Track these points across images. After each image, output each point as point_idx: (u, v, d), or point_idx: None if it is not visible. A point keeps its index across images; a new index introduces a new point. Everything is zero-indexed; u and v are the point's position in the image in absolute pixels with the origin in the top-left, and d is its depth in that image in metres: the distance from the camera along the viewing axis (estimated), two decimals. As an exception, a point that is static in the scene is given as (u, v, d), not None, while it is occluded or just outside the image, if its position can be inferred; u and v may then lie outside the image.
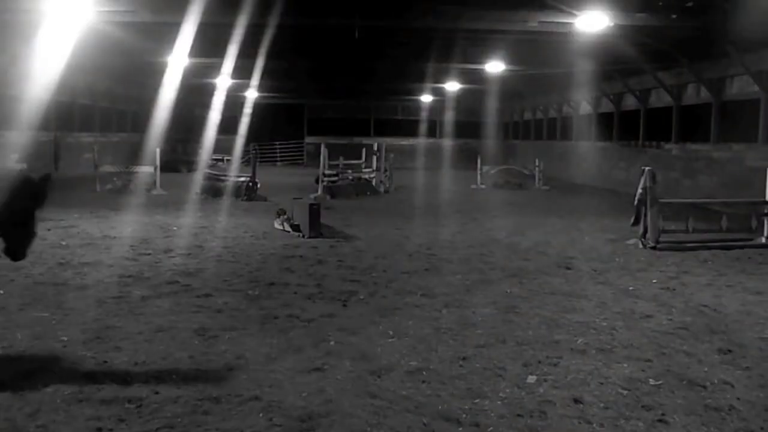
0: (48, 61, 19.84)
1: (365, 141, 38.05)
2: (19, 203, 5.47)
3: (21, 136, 23.04)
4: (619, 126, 28.49)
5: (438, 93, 39.28)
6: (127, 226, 14.46)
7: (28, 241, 5.60)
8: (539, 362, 6.23)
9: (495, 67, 25.88)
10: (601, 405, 5.28)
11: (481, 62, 25.66)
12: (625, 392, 5.54)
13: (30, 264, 9.46)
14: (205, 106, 38.32)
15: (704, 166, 21.46)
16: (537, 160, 28.34)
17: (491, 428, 4.88)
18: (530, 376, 5.86)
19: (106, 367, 5.82)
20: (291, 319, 7.52)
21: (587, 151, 30.77)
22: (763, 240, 13.10)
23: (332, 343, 6.70)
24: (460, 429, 4.86)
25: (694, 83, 22.51)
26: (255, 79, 30.53)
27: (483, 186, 27.04)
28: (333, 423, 4.88)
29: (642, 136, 26.16)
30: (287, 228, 13.89)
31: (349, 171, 25.39)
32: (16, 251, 5.56)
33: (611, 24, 16.65)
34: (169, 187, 22.68)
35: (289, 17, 17.25)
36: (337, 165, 25.44)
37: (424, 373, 5.89)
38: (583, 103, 31.94)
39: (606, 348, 6.69)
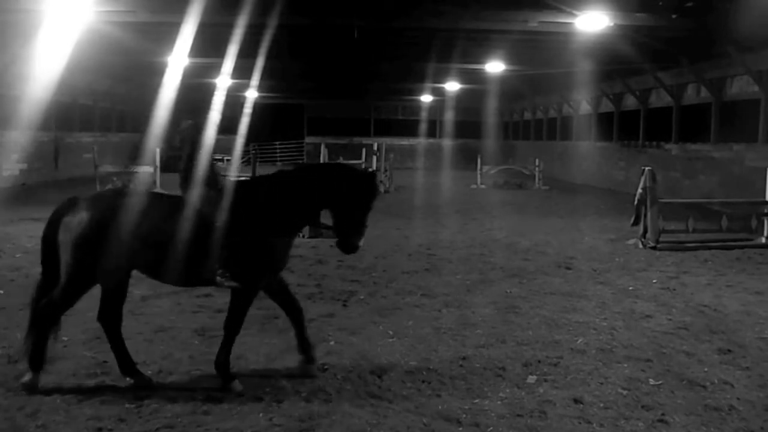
0: (48, 61, 19.84)
1: (365, 141, 38.04)
2: (355, 197, 5.52)
3: (21, 136, 23.06)
4: (619, 126, 28.46)
5: (438, 93, 39.25)
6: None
7: (361, 234, 5.61)
8: (539, 362, 6.22)
9: (495, 67, 25.86)
10: (601, 405, 5.28)
11: (481, 62, 25.64)
12: (625, 392, 5.54)
13: (29, 264, 9.47)
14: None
15: (704, 166, 21.45)
16: (537, 160, 28.33)
17: (491, 428, 4.88)
18: (530, 376, 5.86)
19: (106, 367, 5.82)
20: (291, 319, 7.51)
21: (587, 151, 30.75)
22: (763, 240, 13.10)
23: (332, 343, 6.71)
24: (460, 429, 4.86)
25: (694, 83, 22.49)
26: (255, 79, 30.47)
27: (483, 186, 27.03)
28: (333, 423, 4.88)
29: (642, 136, 26.14)
30: (287, 228, 13.87)
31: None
32: (350, 244, 5.59)
33: (611, 24, 16.65)
34: (170, 187, 22.63)
35: (288, 17, 17.24)
36: (337, 165, 25.38)
37: (424, 373, 5.90)
38: (583, 103, 31.92)
39: (606, 348, 6.69)
